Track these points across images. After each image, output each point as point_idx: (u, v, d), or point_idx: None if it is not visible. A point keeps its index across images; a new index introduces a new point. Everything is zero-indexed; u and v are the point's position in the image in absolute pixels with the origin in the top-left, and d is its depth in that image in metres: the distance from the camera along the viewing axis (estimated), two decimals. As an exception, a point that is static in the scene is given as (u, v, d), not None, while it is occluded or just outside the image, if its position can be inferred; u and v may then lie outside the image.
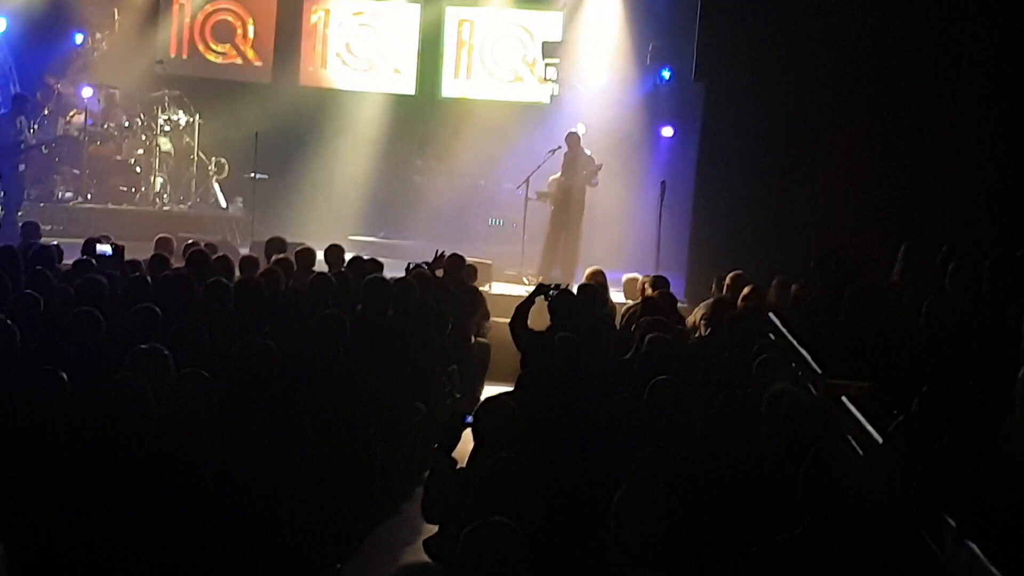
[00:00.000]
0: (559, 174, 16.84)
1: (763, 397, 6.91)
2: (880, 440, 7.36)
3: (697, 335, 11.01)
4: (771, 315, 10.93)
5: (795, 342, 9.84)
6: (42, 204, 18.39)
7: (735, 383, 7.72)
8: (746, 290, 11.56)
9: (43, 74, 19.59)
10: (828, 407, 7.41)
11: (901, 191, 14.41)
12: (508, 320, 10.91)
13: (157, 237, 13.23)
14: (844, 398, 8.31)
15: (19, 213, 17.22)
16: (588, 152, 16.88)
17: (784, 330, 10.37)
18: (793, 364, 9.19)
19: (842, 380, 8.80)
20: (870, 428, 7.58)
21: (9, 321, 8.03)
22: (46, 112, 19.13)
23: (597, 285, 12.19)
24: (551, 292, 10.83)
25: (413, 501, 8.88)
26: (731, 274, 12.21)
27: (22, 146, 17.40)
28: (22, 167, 17.51)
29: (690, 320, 11.71)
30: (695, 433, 7.03)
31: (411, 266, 12.39)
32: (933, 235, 12.57)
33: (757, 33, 14.91)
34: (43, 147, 18.27)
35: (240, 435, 6.64)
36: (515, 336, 10.58)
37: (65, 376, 6.81)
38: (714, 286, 12.73)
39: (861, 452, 7.32)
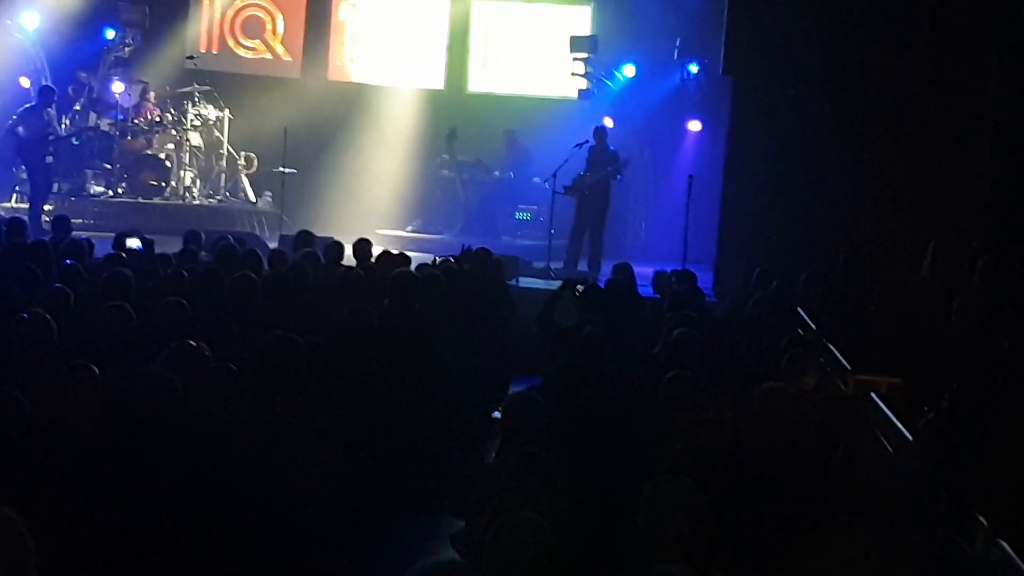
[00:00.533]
0: (584, 169, 16.82)
1: (791, 393, 6.89)
2: (910, 437, 7.33)
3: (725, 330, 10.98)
4: (800, 310, 10.90)
5: (824, 338, 9.81)
6: (73, 198, 18.50)
7: (764, 378, 7.69)
8: (775, 285, 11.53)
9: (75, 69, 19.69)
10: (857, 403, 7.38)
11: (930, 186, 14.33)
12: (535, 315, 10.89)
13: (186, 231, 13.27)
14: (874, 394, 8.28)
15: (48, 207, 17.31)
16: (613, 148, 16.84)
17: (813, 325, 10.35)
18: (822, 360, 9.16)
19: (872, 376, 8.77)
20: (900, 425, 7.55)
21: (47, 316, 8.05)
22: (77, 107, 19.24)
23: (624, 279, 12.17)
24: (578, 288, 10.79)
25: (439, 494, 8.88)
26: (759, 269, 12.19)
27: (51, 138, 17.48)
28: (50, 159, 17.58)
29: (718, 315, 11.67)
30: (723, 428, 7.01)
31: (437, 260, 12.38)
32: (962, 230, 12.52)
33: (785, 27, 14.85)
34: (73, 139, 18.34)
35: (268, 428, 6.66)
36: (542, 331, 10.56)
37: (96, 369, 6.85)
38: (742, 281, 12.71)
39: (891, 449, 7.30)
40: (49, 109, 17.62)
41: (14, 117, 17.72)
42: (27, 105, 17.86)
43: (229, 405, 6.65)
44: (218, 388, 6.88)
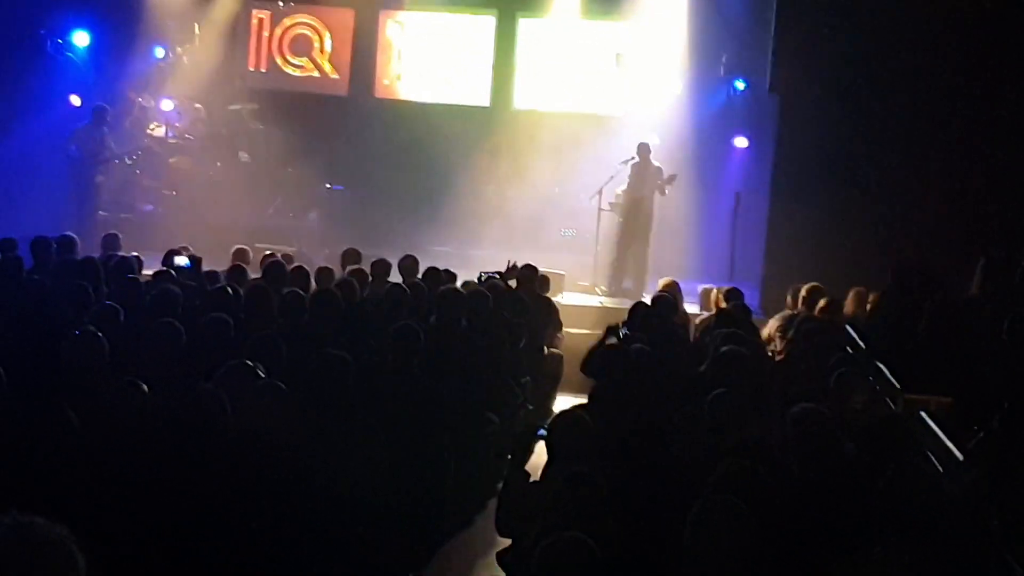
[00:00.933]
0: (627, 185, 16.80)
1: (840, 412, 6.85)
2: (960, 457, 7.28)
3: (772, 347, 10.94)
4: (848, 328, 10.84)
5: (873, 356, 9.75)
6: (122, 215, 18.62)
7: (812, 397, 7.65)
8: (822, 302, 11.47)
9: (124, 88, 19.87)
10: (907, 422, 7.33)
11: (979, 203, 14.24)
12: (580, 330, 10.85)
13: (234, 248, 13.36)
14: (923, 413, 8.22)
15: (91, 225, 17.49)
16: (657, 163, 16.81)
17: (862, 344, 10.29)
18: (871, 378, 9.10)
19: (921, 395, 8.71)
20: (950, 444, 7.50)
21: (99, 333, 8.11)
22: (127, 125, 19.41)
23: (671, 296, 12.14)
24: (621, 332, 10.59)
25: (486, 513, 8.89)
26: (807, 286, 12.13)
27: (103, 157, 17.66)
28: (100, 178, 17.76)
29: (765, 332, 11.62)
30: (771, 447, 6.98)
31: (483, 276, 12.39)
32: (1012, 248, 12.42)
33: (832, 45, 14.81)
34: (126, 159, 18.49)
35: (315, 445, 6.68)
36: (587, 374, 10.21)
37: (145, 387, 6.90)
38: (789, 298, 12.66)
39: (941, 468, 7.24)
40: (103, 128, 17.78)
41: (68, 136, 17.92)
42: (80, 124, 18.04)
43: (279, 423, 6.67)
44: (268, 407, 6.89)
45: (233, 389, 6.82)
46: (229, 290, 10.28)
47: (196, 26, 20.34)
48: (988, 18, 14.31)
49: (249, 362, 7.39)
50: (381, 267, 12.53)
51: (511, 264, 13.31)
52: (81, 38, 19.83)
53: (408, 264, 12.80)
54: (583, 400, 8.48)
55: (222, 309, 9.36)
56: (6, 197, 18.83)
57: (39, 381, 7.46)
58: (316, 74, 21.45)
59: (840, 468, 6.43)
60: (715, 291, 12.89)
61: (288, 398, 7.05)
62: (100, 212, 17.95)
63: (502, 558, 7.21)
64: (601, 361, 9.59)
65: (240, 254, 13.19)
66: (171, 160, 19.32)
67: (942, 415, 8.16)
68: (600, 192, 16.66)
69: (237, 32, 21.19)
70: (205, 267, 12.24)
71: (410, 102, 21.20)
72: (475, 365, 9.62)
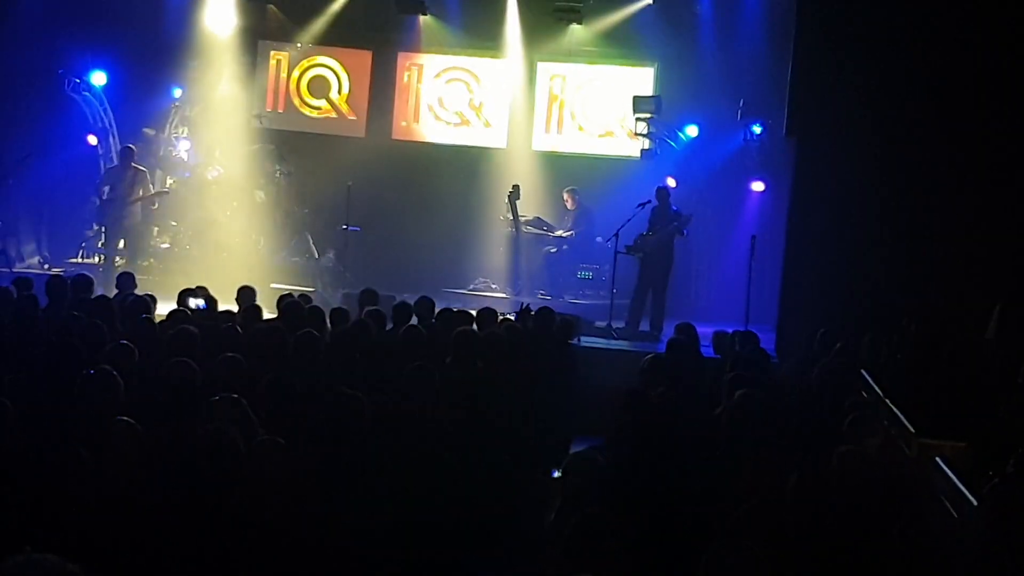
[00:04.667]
0: (645, 228, 16.83)
1: (856, 456, 6.83)
2: (975, 502, 7.24)
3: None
4: (863, 372, 10.82)
5: (888, 400, 9.73)
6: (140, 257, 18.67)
7: (826, 441, 7.63)
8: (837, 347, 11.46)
9: (141, 127, 19.98)
10: (922, 467, 7.31)
11: (996, 249, 14.20)
12: (596, 373, 10.76)
13: (239, 287, 13.22)
14: (938, 458, 8.19)
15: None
16: (675, 208, 16.86)
17: (876, 388, 10.26)
18: (886, 422, 9.08)
19: (936, 440, 8.68)
20: (964, 490, 7.46)
21: (114, 372, 8.12)
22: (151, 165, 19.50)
23: (687, 339, 12.12)
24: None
25: (500, 555, 8.84)
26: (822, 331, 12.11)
27: (134, 196, 17.83)
28: (128, 221, 17.94)
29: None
30: (786, 491, 6.95)
31: (499, 318, 12.36)
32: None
33: (850, 89, 14.83)
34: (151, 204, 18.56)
35: (329, 488, 6.67)
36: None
37: (138, 426, 6.86)
38: (805, 342, 12.64)
39: (955, 514, 7.21)
40: (131, 168, 17.91)
41: (99, 178, 18.12)
42: (111, 166, 18.18)
43: (285, 466, 6.66)
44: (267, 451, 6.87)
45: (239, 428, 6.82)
46: (239, 329, 10.27)
47: (214, 66, 20.45)
48: (1010, 63, 14.32)
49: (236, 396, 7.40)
50: (403, 310, 12.46)
51: (524, 307, 13.31)
52: (98, 78, 19.96)
53: (424, 305, 12.78)
54: (597, 443, 8.45)
55: (237, 350, 9.37)
56: (24, 234, 18.96)
57: (53, 419, 7.47)
58: (334, 115, 21.57)
59: (857, 512, 6.41)
60: (731, 334, 12.83)
61: (281, 450, 7.00)
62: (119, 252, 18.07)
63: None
64: (622, 405, 9.53)
65: (245, 293, 13.11)
66: (187, 199, 19.38)
67: (957, 460, 8.12)
68: (616, 235, 16.70)
69: (255, 73, 21.33)
70: (221, 307, 12.25)
71: (427, 143, 21.29)
72: (490, 407, 9.60)
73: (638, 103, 19.67)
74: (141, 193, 17.96)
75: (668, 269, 16.83)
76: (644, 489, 7.01)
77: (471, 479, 8.64)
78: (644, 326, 16.67)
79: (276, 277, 17.91)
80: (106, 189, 17.88)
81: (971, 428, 8.55)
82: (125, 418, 6.98)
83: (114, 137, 19.83)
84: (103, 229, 18.30)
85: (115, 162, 18.56)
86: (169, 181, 19.62)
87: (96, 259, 18.83)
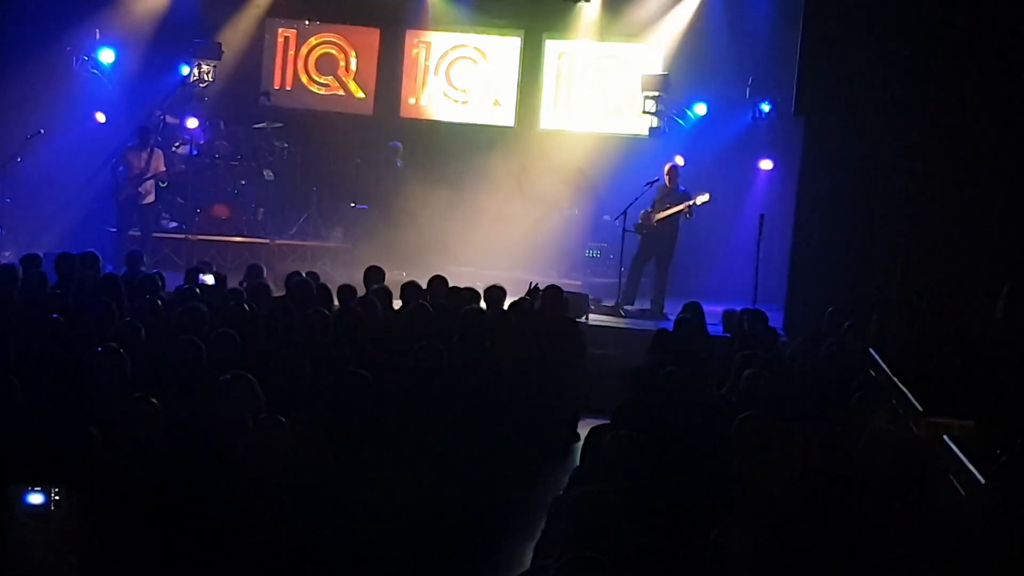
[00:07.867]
0: (650, 207, 16.80)
1: (863, 435, 6.82)
2: (983, 481, 7.24)
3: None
4: (871, 351, 10.80)
5: (896, 379, 9.72)
6: (154, 234, 18.64)
7: (834, 420, 7.63)
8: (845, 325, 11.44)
9: (149, 105, 19.95)
10: (929, 446, 7.30)
11: (1005, 227, 14.16)
12: (605, 351, 10.79)
13: (248, 265, 13.20)
14: (946, 437, 8.18)
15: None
16: (683, 187, 16.83)
17: (884, 366, 10.25)
18: (893, 401, 9.06)
19: (944, 419, 8.67)
20: (972, 468, 7.45)
21: (121, 350, 8.12)
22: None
23: (695, 318, 12.12)
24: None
25: (509, 534, 8.87)
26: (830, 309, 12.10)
27: (145, 178, 17.80)
28: (150, 199, 17.96)
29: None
30: (792, 470, 6.95)
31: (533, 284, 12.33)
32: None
33: (858, 67, 14.78)
34: (160, 181, 18.52)
35: (336, 466, 6.68)
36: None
37: (157, 403, 6.86)
38: (813, 320, 12.62)
39: (963, 492, 7.20)
40: (152, 149, 17.93)
41: (116, 157, 18.11)
42: (128, 145, 18.17)
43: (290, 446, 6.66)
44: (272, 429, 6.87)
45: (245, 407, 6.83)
46: (247, 307, 10.26)
47: (221, 44, 20.40)
48: (1017, 40, 14.25)
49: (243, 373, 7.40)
50: (411, 289, 12.42)
51: (533, 286, 13.30)
52: (107, 55, 19.93)
53: (434, 284, 12.75)
54: (606, 421, 8.46)
55: (245, 327, 9.37)
56: (31, 213, 18.95)
57: (61, 397, 7.48)
58: (341, 93, 21.51)
59: (864, 491, 6.41)
60: (739, 313, 12.82)
61: (295, 429, 7.00)
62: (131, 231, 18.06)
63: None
64: (631, 383, 9.52)
65: (252, 270, 13.13)
66: (196, 178, 19.36)
67: (965, 439, 8.11)
68: (624, 213, 16.66)
69: (263, 50, 21.28)
70: (230, 285, 12.26)
71: (435, 121, 21.24)
72: (498, 385, 9.61)
73: (647, 81, 19.59)
74: (153, 171, 17.96)
75: (671, 248, 16.79)
76: (651, 467, 7.01)
77: (478, 457, 8.67)
78: (642, 303, 16.70)
79: (284, 255, 17.92)
80: (122, 168, 17.88)
81: (979, 407, 8.54)
82: (142, 395, 6.98)
83: (122, 114, 19.78)
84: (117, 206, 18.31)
85: (128, 141, 18.50)
86: (177, 159, 19.58)
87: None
